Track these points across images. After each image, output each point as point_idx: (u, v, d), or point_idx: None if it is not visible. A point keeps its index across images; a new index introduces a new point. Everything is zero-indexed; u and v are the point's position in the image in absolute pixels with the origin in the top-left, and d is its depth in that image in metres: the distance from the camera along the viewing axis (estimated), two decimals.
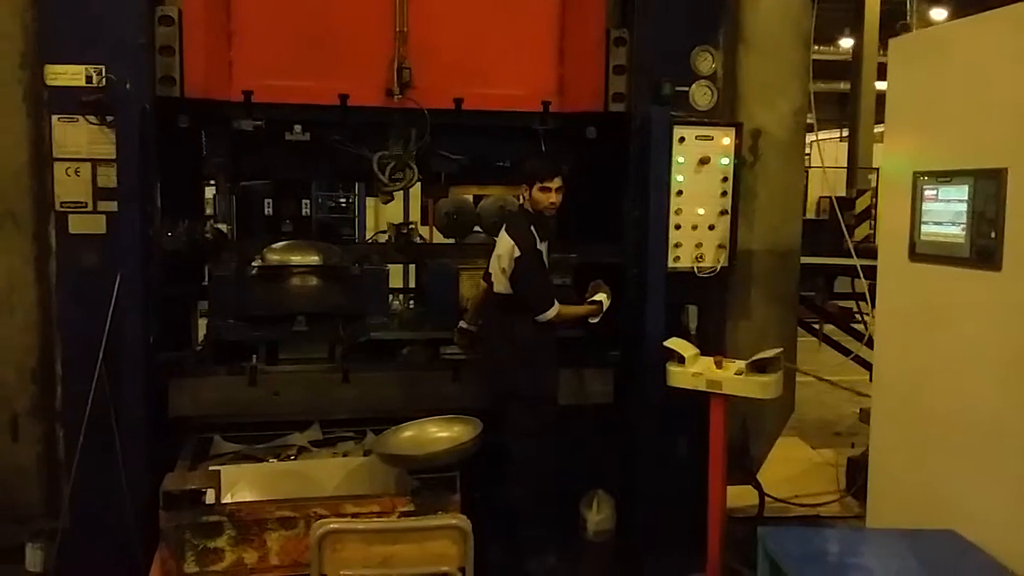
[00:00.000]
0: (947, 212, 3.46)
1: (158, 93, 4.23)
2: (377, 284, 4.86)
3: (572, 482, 4.69)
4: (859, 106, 18.37)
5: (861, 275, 4.77)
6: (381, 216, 14.14)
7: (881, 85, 17.14)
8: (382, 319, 4.85)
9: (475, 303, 4.66)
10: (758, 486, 4.91)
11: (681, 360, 4.22)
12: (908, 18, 18.84)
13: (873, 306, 5.25)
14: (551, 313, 4.20)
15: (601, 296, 4.36)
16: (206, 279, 5.24)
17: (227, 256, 4.93)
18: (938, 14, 19.98)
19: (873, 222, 15.56)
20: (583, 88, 4.66)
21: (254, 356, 4.67)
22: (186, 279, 5.02)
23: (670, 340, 4.27)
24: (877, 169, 15.03)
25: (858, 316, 6.33)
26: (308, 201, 12.86)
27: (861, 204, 14.28)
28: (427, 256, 5.40)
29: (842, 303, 6.62)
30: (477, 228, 6.47)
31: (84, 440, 4.11)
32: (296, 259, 4.92)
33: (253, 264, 4.82)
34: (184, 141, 4.67)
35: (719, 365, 4.15)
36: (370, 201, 13.88)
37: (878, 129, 18.64)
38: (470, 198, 6.99)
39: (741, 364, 4.12)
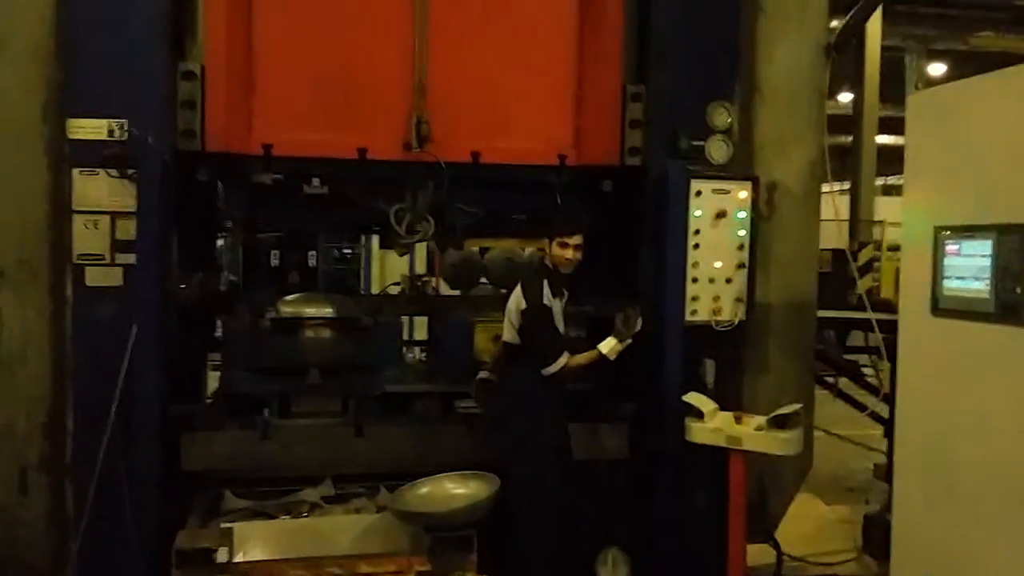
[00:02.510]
0: (970, 267, 3.45)
1: (179, 147, 4.26)
2: (391, 337, 4.85)
3: (586, 540, 4.61)
4: (860, 159, 18.50)
5: (876, 329, 4.74)
6: (387, 267, 14.22)
7: (881, 139, 17.31)
8: (395, 372, 4.82)
9: (495, 355, 4.64)
10: (776, 544, 4.83)
11: (700, 415, 4.18)
12: (908, 72, 19.07)
13: (887, 360, 5.25)
14: (556, 367, 4.16)
15: (604, 345, 4.28)
16: (218, 331, 5.25)
17: (240, 308, 4.93)
18: (936, 69, 20.23)
19: (876, 275, 15.63)
20: (599, 142, 4.69)
21: (266, 410, 4.63)
22: (198, 330, 5.00)
23: (688, 395, 4.23)
24: (880, 222, 15.08)
25: (871, 370, 6.28)
26: (315, 252, 12.96)
27: (863, 256, 14.32)
28: (440, 308, 5.40)
29: (854, 357, 6.58)
30: (483, 280, 6.50)
31: (94, 495, 4.06)
32: (310, 311, 4.92)
33: (267, 316, 4.81)
34: (200, 193, 4.69)
35: (739, 420, 4.11)
36: (375, 252, 13.97)
37: (878, 182, 18.78)
38: (476, 250, 7.06)
39: (761, 420, 4.07)
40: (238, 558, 3.62)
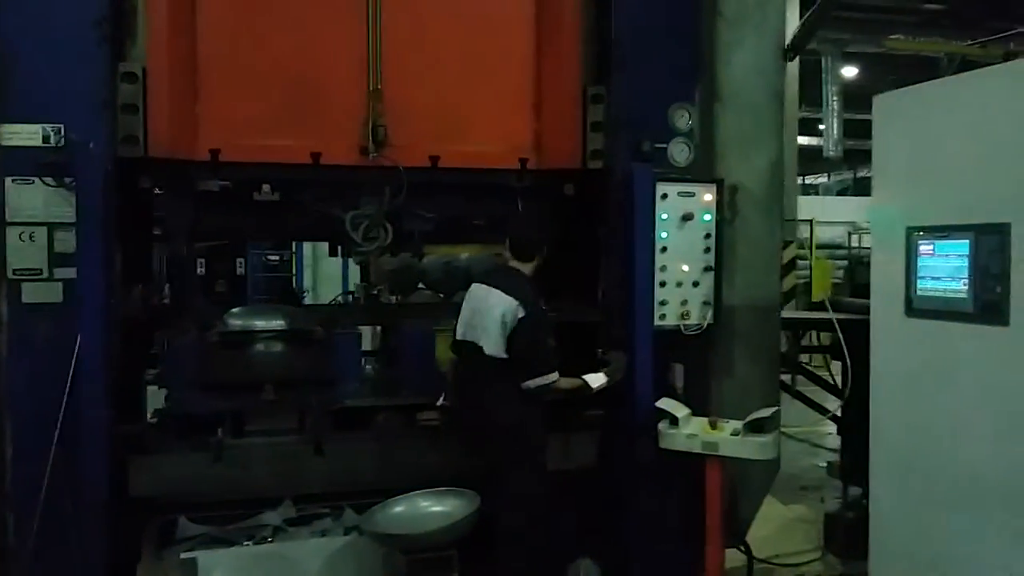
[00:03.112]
0: (946, 267, 3.47)
1: (120, 154, 4.00)
2: (349, 348, 4.65)
3: (557, 551, 4.50)
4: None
5: (838, 329, 4.76)
6: (319, 275, 13.92)
7: (802, 140, 17.69)
8: (354, 385, 4.64)
9: (451, 376, 4.42)
10: (747, 548, 4.81)
11: (673, 421, 4.12)
12: (824, 75, 19.55)
13: (841, 360, 5.30)
14: (547, 380, 4.00)
15: (592, 378, 4.18)
16: (155, 346, 4.98)
17: (185, 322, 4.68)
18: (848, 72, 20.80)
19: (799, 272, 15.98)
20: (560, 145, 4.59)
21: (219, 429, 4.39)
22: (137, 347, 4.72)
23: (661, 400, 4.18)
24: (808, 221, 15.40)
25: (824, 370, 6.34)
26: (243, 260, 12.55)
27: (787, 255, 14.65)
28: (396, 317, 5.22)
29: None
30: (421, 285, 6.35)
31: (38, 526, 3.78)
32: (260, 324, 4.69)
33: (214, 330, 4.57)
34: (138, 201, 4.43)
35: (713, 426, 4.07)
36: (307, 259, 13.65)
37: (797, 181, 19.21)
38: (411, 256, 6.89)
39: (737, 424, 4.04)
40: None
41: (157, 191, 4.48)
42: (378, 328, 6.20)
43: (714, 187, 4.43)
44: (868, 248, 19.19)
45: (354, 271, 13.37)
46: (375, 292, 5.24)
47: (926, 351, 3.58)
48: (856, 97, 17.38)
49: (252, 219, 4.59)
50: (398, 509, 3.79)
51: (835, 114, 17.33)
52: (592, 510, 4.60)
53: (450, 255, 6.04)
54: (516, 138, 4.60)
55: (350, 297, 6.24)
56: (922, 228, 3.58)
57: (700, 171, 4.56)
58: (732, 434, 4.00)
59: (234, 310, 4.84)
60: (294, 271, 13.28)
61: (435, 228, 4.75)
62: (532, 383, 3.99)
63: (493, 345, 4.05)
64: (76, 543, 3.84)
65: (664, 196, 4.36)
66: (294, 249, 12.92)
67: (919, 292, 3.60)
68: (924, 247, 3.57)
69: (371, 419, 4.66)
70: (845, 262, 16.38)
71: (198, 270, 11.38)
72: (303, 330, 4.64)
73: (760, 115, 4.71)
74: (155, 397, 4.99)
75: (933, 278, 3.53)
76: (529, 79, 4.62)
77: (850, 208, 21.22)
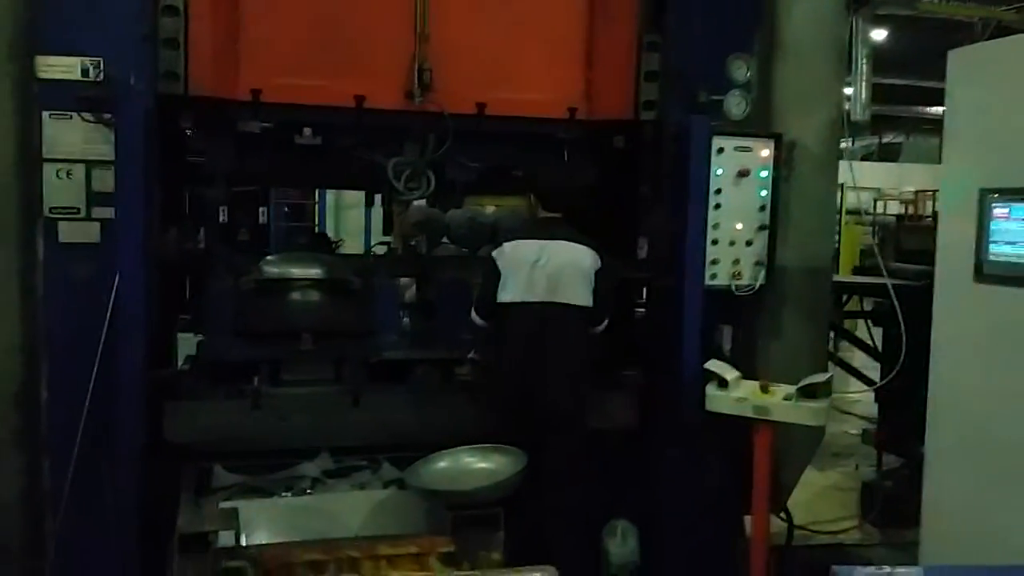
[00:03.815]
0: (1022, 231, 3.31)
1: (160, 90, 3.85)
2: (388, 300, 4.54)
3: (593, 512, 4.42)
4: None
5: (894, 295, 4.61)
6: (342, 226, 13.77)
7: None
8: (392, 337, 4.54)
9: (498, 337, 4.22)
10: (788, 516, 4.72)
11: (722, 384, 4.00)
12: (854, 37, 19.12)
13: (883, 327, 5.16)
14: (604, 324, 4.09)
15: None
16: (189, 292, 4.90)
17: (222, 268, 4.58)
18: (878, 34, 20.30)
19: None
20: (612, 95, 4.42)
21: (255, 378, 4.30)
22: (171, 292, 4.62)
23: (710, 362, 4.05)
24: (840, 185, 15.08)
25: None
26: (265, 209, 12.42)
27: None
28: (433, 269, 5.09)
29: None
30: (445, 240, 6.23)
31: (74, 470, 3.72)
32: (297, 272, 4.59)
33: (250, 277, 4.47)
34: (176, 141, 4.30)
35: (765, 390, 3.94)
36: (329, 208, 13.50)
37: None
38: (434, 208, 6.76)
39: (789, 389, 3.91)
40: (243, 540, 3.32)
41: (192, 131, 4.34)
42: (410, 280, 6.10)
43: (772, 142, 4.26)
44: (893, 215, 18.88)
45: (376, 222, 13.30)
46: (412, 243, 5.09)
47: (996, 318, 3.44)
48: (884, 61, 17.00)
49: (292, 163, 4.45)
50: (442, 464, 3.70)
51: (864, 78, 16.92)
52: (629, 471, 4.52)
53: (475, 209, 5.92)
54: (565, 86, 4.43)
55: (385, 247, 6.08)
56: (997, 190, 3.42)
57: (756, 125, 4.38)
58: (784, 399, 3.88)
59: (270, 257, 4.74)
60: (317, 221, 13.14)
61: (477, 179, 4.61)
62: (596, 329, 4.04)
63: (581, 296, 4.01)
64: (111, 488, 3.78)
65: (720, 150, 4.20)
66: (316, 199, 12.77)
67: (991, 257, 3.45)
68: (999, 210, 3.41)
69: (409, 372, 4.58)
70: (871, 228, 16.16)
71: (221, 217, 11.39)
72: (342, 279, 4.54)
73: (821, 69, 4.50)
74: (185, 344, 4.92)
75: (1008, 243, 3.38)
76: (581, 24, 4.44)
77: (876, 174, 20.92)
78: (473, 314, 4.18)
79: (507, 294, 4.04)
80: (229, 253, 4.69)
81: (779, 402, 3.87)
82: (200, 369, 4.49)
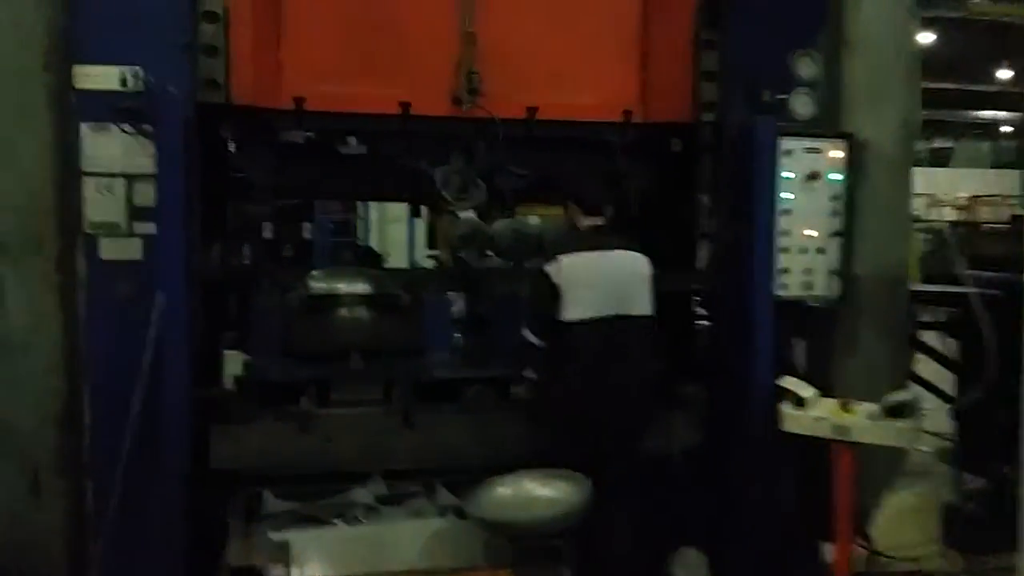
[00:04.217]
0: None
1: (200, 99, 3.71)
2: (439, 315, 4.36)
3: (658, 538, 4.17)
4: None
5: (977, 304, 4.30)
6: (386, 240, 13.65)
7: None
8: (443, 355, 4.34)
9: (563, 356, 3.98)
10: (868, 541, 4.41)
11: (798, 402, 3.74)
12: None
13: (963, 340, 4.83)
14: None
15: None
16: (233, 309, 4.74)
17: (267, 284, 4.43)
18: (924, 38, 19.71)
19: None
20: (668, 96, 4.21)
21: (302, 399, 4.13)
22: (215, 308, 4.48)
23: (784, 379, 3.79)
24: None
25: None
26: (309, 224, 12.32)
27: None
28: (484, 282, 4.89)
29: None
30: (489, 252, 6.04)
31: (118, 497, 3.57)
32: (344, 287, 4.42)
33: (296, 294, 4.32)
34: (217, 152, 4.16)
35: (845, 408, 3.67)
36: (373, 224, 13.36)
37: None
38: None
39: (872, 407, 3.64)
40: (295, 574, 3.14)
41: (234, 141, 4.20)
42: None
43: (844, 143, 4.01)
44: (947, 221, 18.30)
45: (420, 236, 13.14)
46: (461, 256, 4.90)
47: None
48: (932, 65, 16.55)
49: (336, 174, 4.29)
50: (503, 492, 3.46)
51: None
52: (695, 495, 4.26)
53: (519, 220, 5.72)
54: (620, 88, 4.24)
55: (433, 261, 5.91)
56: None
57: (824, 126, 4.13)
58: (868, 418, 3.60)
59: (315, 272, 4.58)
60: (361, 235, 13.01)
61: (527, 187, 4.41)
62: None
63: (647, 305, 3.87)
64: (157, 515, 3.62)
65: (788, 152, 3.96)
66: (360, 213, 12.63)
67: None
68: None
69: (461, 391, 4.38)
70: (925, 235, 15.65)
71: (265, 233, 11.30)
72: (391, 295, 4.37)
73: (892, 65, 4.24)
74: (230, 363, 4.78)
75: None
76: (635, 22, 4.25)
77: (928, 179, 20.36)
78: (527, 333, 3.93)
79: (571, 311, 3.80)
80: (275, 268, 4.53)
81: (862, 422, 3.59)
82: (246, 390, 4.32)
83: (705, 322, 5.10)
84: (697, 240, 4.63)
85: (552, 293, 3.82)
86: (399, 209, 12.60)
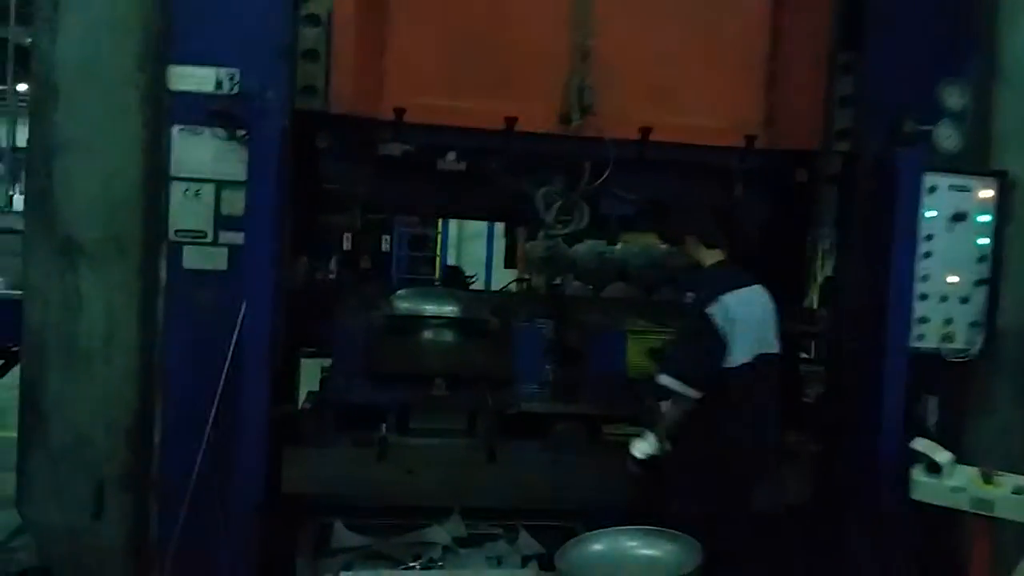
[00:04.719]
0: None
1: (297, 105, 3.51)
2: (532, 344, 4.07)
3: None
4: None
5: None
6: (464, 256, 13.48)
7: None
8: (534, 386, 4.05)
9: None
10: None
11: (933, 468, 3.33)
12: None
13: None
14: None
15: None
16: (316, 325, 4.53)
17: (353, 302, 4.22)
18: None
19: None
20: (797, 121, 3.84)
21: (383, 424, 3.89)
22: (296, 324, 4.27)
23: (917, 440, 3.39)
24: None
25: None
26: (388, 237, 12.24)
27: None
28: (574, 310, 4.60)
29: None
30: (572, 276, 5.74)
31: (186, 518, 3.36)
32: (430, 308, 4.19)
33: (381, 312, 4.10)
34: (310, 162, 3.96)
35: (988, 479, 3.25)
36: (453, 239, 13.23)
37: None
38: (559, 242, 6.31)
39: (1020, 480, 3.21)
40: None
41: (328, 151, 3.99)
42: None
43: (995, 182, 3.61)
44: None
45: (499, 254, 12.92)
46: (558, 281, 4.62)
47: None
48: None
49: (432, 190, 4.04)
50: (597, 548, 3.14)
51: None
52: (800, 556, 3.88)
53: (601, 245, 5.43)
54: (743, 111, 3.89)
55: (524, 284, 5.64)
56: None
57: (969, 161, 3.73)
58: (1014, 492, 3.18)
59: (401, 292, 4.38)
60: (439, 251, 12.89)
61: (636, 213, 4.11)
62: None
63: (777, 343, 3.61)
64: (225, 542, 3.40)
65: (932, 189, 3.58)
66: (439, 228, 12.52)
67: None
68: None
69: (549, 427, 4.09)
70: None
71: (344, 245, 11.20)
72: (480, 319, 4.12)
73: None
74: (308, 377, 4.58)
75: None
76: (763, 40, 3.90)
77: None
78: (673, 383, 3.47)
79: (735, 355, 3.50)
80: (359, 285, 4.32)
81: (1008, 496, 3.17)
82: (323, 411, 4.11)
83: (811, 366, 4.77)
84: (807, 278, 4.27)
85: (717, 337, 3.48)
86: (479, 226, 12.47)
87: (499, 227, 12.25)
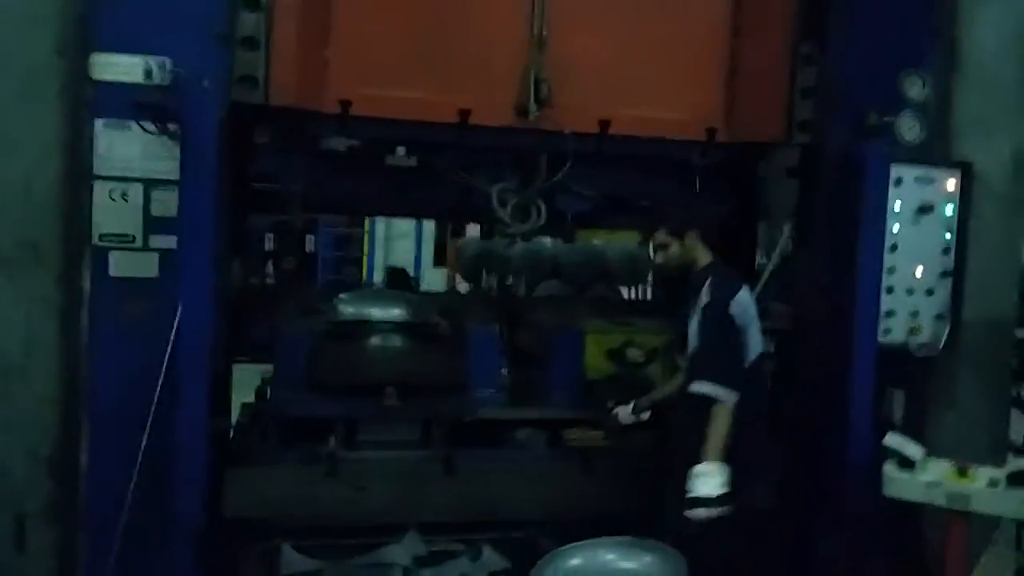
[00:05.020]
0: None
1: (234, 97, 3.22)
2: (487, 348, 3.87)
3: None
4: None
5: None
6: (392, 256, 13.17)
7: None
8: (491, 392, 3.85)
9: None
10: None
11: (905, 464, 3.27)
12: None
13: None
14: None
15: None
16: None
17: (293, 308, 3.96)
18: None
19: None
20: (758, 114, 3.75)
21: (330, 439, 3.64)
22: (228, 334, 3.97)
23: (889, 436, 3.32)
24: None
25: None
26: (312, 236, 11.82)
27: None
28: (524, 311, 4.42)
29: None
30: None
31: (118, 552, 3.06)
32: (377, 313, 3.94)
33: (322, 319, 3.84)
34: (244, 158, 3.68)
35: (963, 473, 3.20)
36: (380, 239, 12.90)
37: None
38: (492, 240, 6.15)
39: (995, 473, 3.17)
40: None
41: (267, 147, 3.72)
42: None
43: (958, 173, 3.57)
44: None
45: (427, 252, 12.68)
46: (508, 283, 4.43)
47: None
48: None
49: (379, 188, 3.80)
50: (574, 563, 2.96)
51: None
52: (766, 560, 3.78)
53: (539, 242, 5.29)
54: (704, 103, 3.79)
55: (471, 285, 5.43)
56: None
57: (931, 153, 3.69)
58: (989, 485, 3.13)
59: (344, 295, 4.10)
60: (366, 251, 12.55)
61: (592, 209, 3.96)
62: None
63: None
64: (163, 573, 3.12)
65: (897, 181, 3.51)
66: (367, 227, 12.18)
67: None
68: None
69: (508, 435, 3.90)
70: None
71: (266, 245, 10.73)
72: (432, 323, 3.90)
73: (1008, 90, 3.79)
74: (241, 388, 4.27)
75: None
76: (723, 31, 3.80)
77: None
78: (717, 390, 3.23)
79: (751, 353, 3.39)
80: (302, 289, 4.05)
81: (984, 490, 3.12)
82: (263, 426, 3.83)
83: None
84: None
85: (738, 335, 3.34)
86: (407, 225, 12.20)
87: (428, 226, 12.03)
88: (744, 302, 3.35)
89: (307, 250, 11.52)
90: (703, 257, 3.44)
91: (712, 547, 3.17)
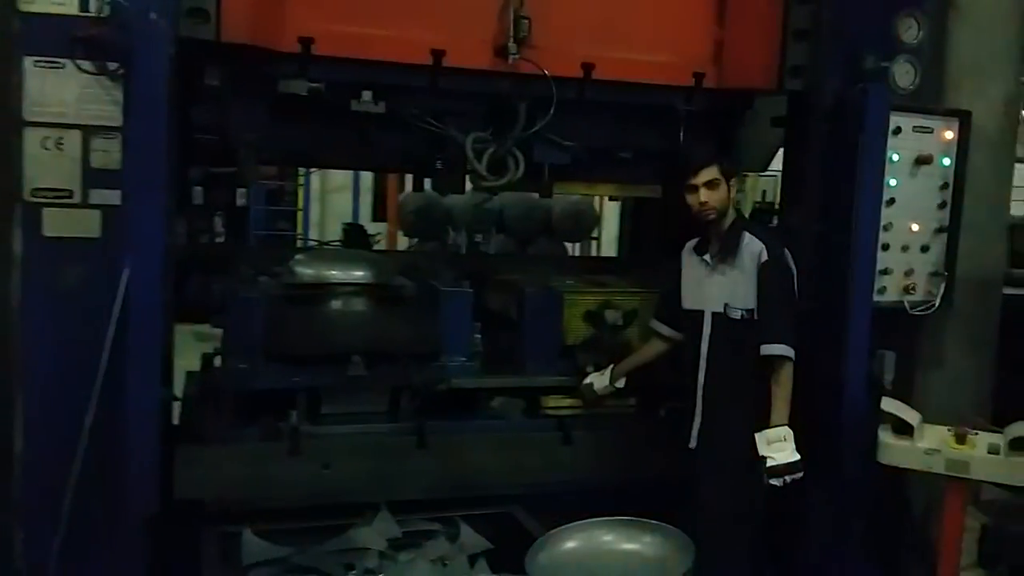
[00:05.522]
0: None
1: (181, 33, 2.85)
2: (459, 311, 3.60)
3: None
4: None
5: None
6: (327, 210, 12.69)
7: None
8: (464, 359, 3.59)
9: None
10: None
11: (902, 430, 3.14)
12: None
13: None
14: None
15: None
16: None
17: (246, 269, 3.63)
18: None
19: None
20: (749, 58, 3.51)
21: (293, 413, 3.35)
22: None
23: (886, 401, 3.19)
24: None
25: None
26: (245, 190, 11.25)
27: None
28: (494, 270, 4.17)
29: None
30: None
31: (60, 545, 2.74)
32: (338, 274, 3.63)
33: (279, 281, 3.54)
34: (194, 100, 3.31)
35: (961, 439, 3.08)
36: (314, 192, 12.40)
37: None
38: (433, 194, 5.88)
39: (994, 439, 3.06)
40: None
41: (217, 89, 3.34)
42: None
43: (957, 122, 3.41)
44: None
45: (365, 207, 12.20)
46: (477, 239, 4.15)
47: None
48: None
49: (345, 137, 3.46)
50: (570, 546, 2.74)
51: None
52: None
53: (482, 196, 5.04)
54: (690, 47, 3.55)
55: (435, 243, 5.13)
56: None
57: (925, 100, 3.53)
58: (989, 451, 3.02)
59: (300, 256, 3.78)
60: (301, 204, 12.04)
61: (573, 161, 3.69)
62: None
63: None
64: (112, 564, 2.81)
65: (897, 130, 3.33)
66: (300, 180, 11.65)
67: None
68: None
69: (482, 404, 3.66)
70: None
71: (196, 200, 10.17)
72: (399, 285, 3.63)
73: (1002, 35, 3.66)
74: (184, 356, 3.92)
75: None
76: None
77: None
78: (787, 350, 3.11)
79: None
80: (257, 248, 3.71)
81: (984, 456, 3.01)
82: (216, 398, 3.50)
83: None
84: None
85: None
86: (343, 177, 11.72)
87: (366, 178, 11.57)
88: (790, 258, 3.21)
89: (239, 204, 10.96)
90: (733, 212, 3.24)
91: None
